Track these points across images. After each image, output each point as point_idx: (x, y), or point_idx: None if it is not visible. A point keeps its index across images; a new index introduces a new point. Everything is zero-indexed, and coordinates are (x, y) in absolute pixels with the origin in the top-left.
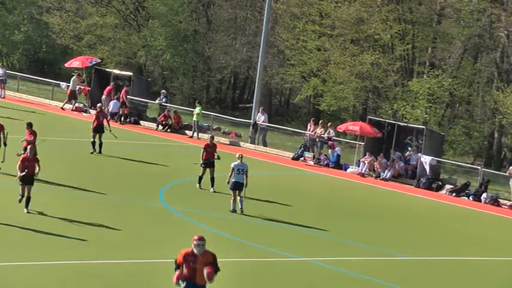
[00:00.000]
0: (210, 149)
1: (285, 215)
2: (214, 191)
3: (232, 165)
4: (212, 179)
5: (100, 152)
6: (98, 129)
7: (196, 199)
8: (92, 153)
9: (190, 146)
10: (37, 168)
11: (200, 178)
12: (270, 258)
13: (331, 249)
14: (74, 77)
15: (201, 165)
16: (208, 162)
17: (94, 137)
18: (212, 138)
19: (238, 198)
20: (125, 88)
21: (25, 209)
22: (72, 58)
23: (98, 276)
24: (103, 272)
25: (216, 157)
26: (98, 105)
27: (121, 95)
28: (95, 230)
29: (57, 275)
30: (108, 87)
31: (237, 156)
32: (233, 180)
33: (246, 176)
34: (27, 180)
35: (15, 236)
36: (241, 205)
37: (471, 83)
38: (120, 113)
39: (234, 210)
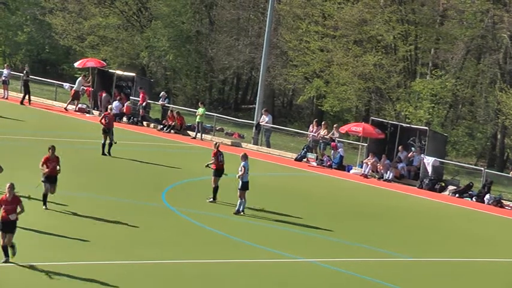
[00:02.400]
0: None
1: (287, 216)
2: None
3: (244, 165)
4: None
5: (108, 152)
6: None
7: (198, 200)
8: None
9: (193, 147)
10: (19, 209)
11: (215, 189)
12: (272, 259)
13: (333, 250)
14: (80, 77)
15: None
16: (219, 171)
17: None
18: (215, 145)
19: (242, 199)
20: (143, 91)
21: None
22: (75, 59)
23: (100, 276)
24: (105, 273)
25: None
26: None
27: (142, 98)
28: (97, 230)
29: (59, 275)
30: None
31: (241, 155)
32: (243, 180)
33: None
34: (7, 226)
35: (16, 237)
36: (243, 207)
37: (474, 83)
38: (142, 115)
39: (238, 211)
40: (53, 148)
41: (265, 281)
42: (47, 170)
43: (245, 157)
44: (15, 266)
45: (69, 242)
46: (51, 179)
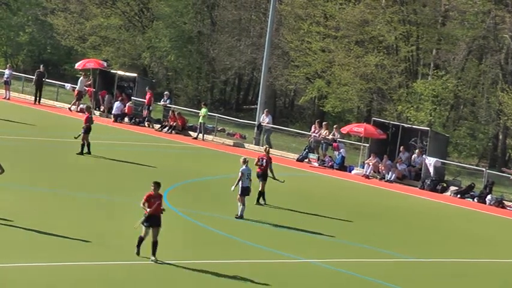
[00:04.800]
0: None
1: (289, 217)
2: (265, 203)
3: (241, 171)
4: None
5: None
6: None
7: (200, 200)
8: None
9: (194, 147)
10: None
11: (260, 193)
12: (272, 260)
13: (334, 250)
14: (81, 77)
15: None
16: (258, 174)
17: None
18: (264, 149)
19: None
20: (151, 92)
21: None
22: (76, 59)
23: (103, 277)
24: (107, 273)
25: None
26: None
27: (148, 99)
28: (99, 230)
29: (60, 276)
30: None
31: (241, 160)
32: (243, 185)
33: (250, 181)
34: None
35: (19, 237)
36: (242, 212)
37: (476, 84)
38: (144, 115)
39: (241, 216)
40: (156, 184)
41: (265, 281)
42: (149, 209)
43: (244, 162)
44: (18, 267)
45: (69, 242)
46: (153, 220)
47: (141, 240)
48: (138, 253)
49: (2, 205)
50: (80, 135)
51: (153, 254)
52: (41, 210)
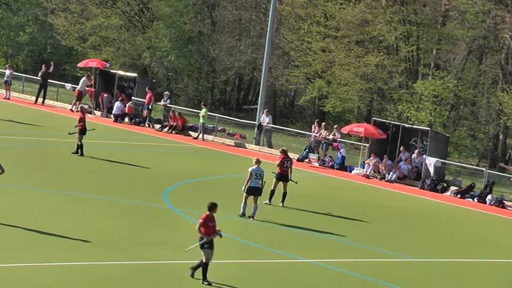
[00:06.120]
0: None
1: (289, 217)
2: (269, 203)
3: (250, 170)
4: (284, 194)
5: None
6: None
7: (201, 200)
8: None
9: (194, 147)
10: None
11: (272, 192)
12: (272, 260)
13: (334, 250)
14: (84, 77)
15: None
16: (281, 176)
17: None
18: (283, 151)
19: (253, 204)
20: (151, 92)
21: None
22: (77, 59)
23: (103, 277)
24: (108, 273)
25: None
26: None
27: (148, 99)
28: (99, 231)
29: (61, 276)
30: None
31: (254, 161)
32: (250, 185)
33: (262, 181)
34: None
35: (19, 237)
36: (254, 213)
37: (476, 84)
38: (145, 115)
39: (243, 214)
40: (213, 206)
41: (265, 281)
42: (203, 233)
43: (256, 162)
44: (15, 266)
45: (69, 242)
46: (210, 244)
47: (205, 265)
48: (192, 275)
49: (1, 205)
50: (75, 133)
51: (204, 277)
52: (41, 210)
